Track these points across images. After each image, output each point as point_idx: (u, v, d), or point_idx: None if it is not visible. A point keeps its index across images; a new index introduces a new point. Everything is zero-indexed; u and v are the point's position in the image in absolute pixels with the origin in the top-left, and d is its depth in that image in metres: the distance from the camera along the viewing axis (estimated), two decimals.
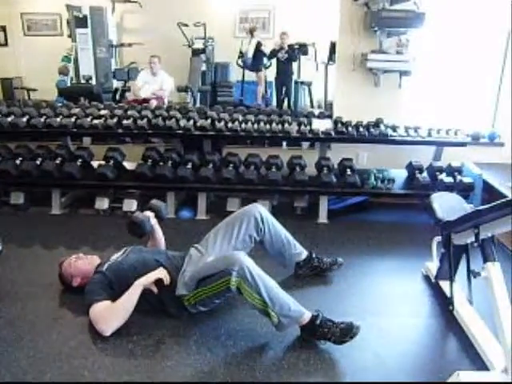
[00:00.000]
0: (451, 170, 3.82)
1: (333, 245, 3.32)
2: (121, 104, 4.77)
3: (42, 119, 3.90)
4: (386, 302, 2.63)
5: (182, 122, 3.90)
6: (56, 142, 4.19)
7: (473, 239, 2.16)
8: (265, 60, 7.14)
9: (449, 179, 3.72)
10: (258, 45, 7.03)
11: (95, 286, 2.30)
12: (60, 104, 4.54)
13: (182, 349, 2.11)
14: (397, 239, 3.48)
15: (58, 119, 3.90)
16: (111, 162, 3.85)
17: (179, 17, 7.00)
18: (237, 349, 2.13)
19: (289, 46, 6.83)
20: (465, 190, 3.62)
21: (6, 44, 8.08)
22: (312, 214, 3.87)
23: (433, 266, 2.82)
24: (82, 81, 7.00)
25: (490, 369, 1.98)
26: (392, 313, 2.51)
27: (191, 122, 3.91)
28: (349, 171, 3.83)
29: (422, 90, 4.16)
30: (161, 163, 3.84)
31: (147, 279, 2.24)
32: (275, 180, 3.75)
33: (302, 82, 7.23)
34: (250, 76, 7.40)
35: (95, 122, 3.89)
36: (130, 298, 2.20)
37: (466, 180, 3.71)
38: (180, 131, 3.88)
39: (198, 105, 5.97)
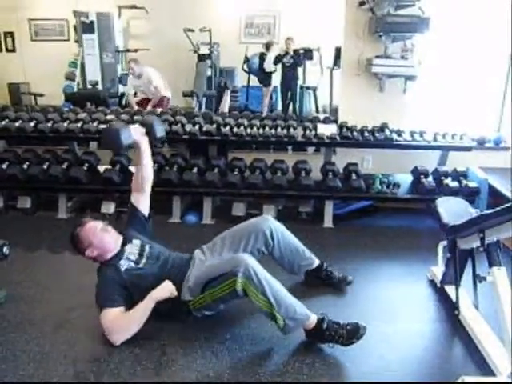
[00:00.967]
0: (457, 175, 3.82)
1: (338, 249, 3.32)
2: (127, 109, 4.80)
3: (49, 124, 3.93)
4: (391, 306, 2.62)
5: (188, 127, 3.93)
6: (63, 146, 4.23)
7: (478, 244, 2.16)
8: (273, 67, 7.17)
9: (454, 184, 3.72)
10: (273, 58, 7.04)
11: (110, 287, 2.21)
12: (67, 109, 4.58)
13: (187, 353, 2.12)
14: (402, 244, 3.48)
15: (65, 124, 3.93)
16: (117, 166, 3.87)
17: (185, 22, 7.06)
18: (242, 353, 2.13)
19: (294, 51, 6.86)
20: (470, 195, 3.61)
21: (13, 50, 8.16)
22: (317, 219, 3.87)
23: (438, 270, 2.81)
24: (89, 86, 7.06)
25: (496, 374, 1.97)
26: (397, 317, 2.50)
27: (197, 126, 3.93)
28: (354, 176, 3.84)
29: (427, 95, 4.17)
30: (166, 168, 3.86)
31: (160, 294, 2.20)
32: (280, 184, 3.76)
33: (308, 87, 7.26)
34: (256, 81, 7.43)
35: (102, 126, 3.92)
36: (144, 312, 2.17)
37: (472, 184, 3.70)
38: (186, 136, 3.90)
39: (203, 110, 6.00)
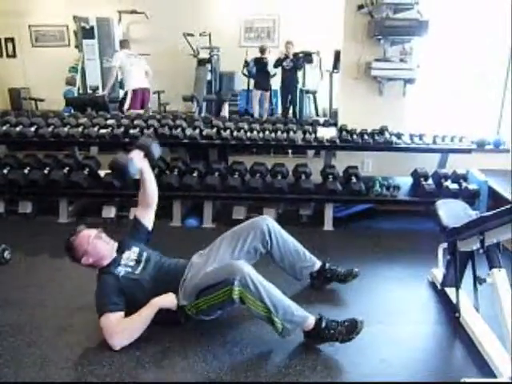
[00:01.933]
0: (456, 177, 3.82)
1: (338, 252, 3.31)
2: (127, 113, 4.82)
3: (50, 129, 3.95)
4: (392, 308, 2.62)
5: (188, 131, 3.94)
6: (63, 151, 4.24)
7: (478, 246, 2.16)
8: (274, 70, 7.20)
9: (454, 186, 3.72)
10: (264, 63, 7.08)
11: (109, 292, 2.22)
12: (67, 114, 4.60)
13: (188, 356, 2.12)
14: (402, 246, 3.48)
15: (66, 129, 3.95)
16: None
17: (185, 27, 7.10)
18: (243, 356, 2.13)
19: (294, 54, 6.89)
20: (470, 197, 3.61)
21: (14, 55, 8.22)
22: (317, 222, 3.88)
23: (438, 272, 2.82)
24: (89, 91, 7.10)
25: (497, 376, 1.97)
26: (398, 320, 2.50)
27: (197, 130, 3.95)
28: (354, 179, 3.84)
29: (427, 98, 4.19)
30: (167, 172, 3.87)
31: (163, 303, 2.22)
32: (281, 188, 3.76)
33: (307, 91, 7.29)
34: None
35: (102, 131, 3.93)
36: (146, 318, 2.19)
37: (472, 187, 3.70)
38: (186, 140, 3.91)
39: (203, 114, 6.02)
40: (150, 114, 4.74)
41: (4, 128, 3.96)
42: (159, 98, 7.58)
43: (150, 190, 2.58)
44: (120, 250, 2.41)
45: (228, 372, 2.02)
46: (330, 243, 3.54)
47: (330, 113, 6.92)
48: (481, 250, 2.15)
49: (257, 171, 3.88)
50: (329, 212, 3.83)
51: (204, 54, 7.16)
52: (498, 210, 1.98)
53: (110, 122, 4.09)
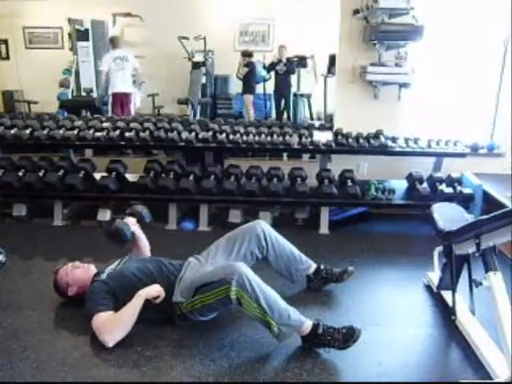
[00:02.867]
0: (451, 181, 3.85)
1: (334, 255, 3.32)
2: (123, 116, 4.81)
3: (45, 131, 3.93)
4: (388, 312, 2.63)
5: (184, 134, 3.93)
6: (58, 153, 4.22)
7: (474, 249, 2.18)
8: (266, 74, 7.21)
9: (449, 190, 3.75)
10: (250, 67, 7.10)
11: (96, 296, 2.28)
12: (62, 116, 4.58)
13: (185, 360, 2.11)
14: (397, 249, 3.50)
15: (61, 131, 3.93)
16: (113, 173, 3.87)
17: (180, 30, 7.10)
18: (240, 360, 2.13)
19: (287, 58, 6.92)
20: (465, 201, 3.64)
21: (7, 57, 8.17)
22: (313, 225, 3.89)
23: (434, 275, 2.84)
24: (83, 93, 7.07)
25: (494, 378, 1.98)
26: (394, 323, 2.51)
27: (193, 134, 3.94)
28: (349, 182, 3.85)
29: (421, 102, 4.21)
30: (163, 175, 3.86)
31: (148, 292, 2.25)
32: (277, 191, 3.77)
33: (302, 95, 7.30)
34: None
35: (98, 134, 3.92)
36: (133, 309, 2.21)
37: (466, 190, 3.73)
38: (182, 143, 3.91)
39: (198, 117, 6.02)
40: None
41: None
42: (153, 100, 7.59)
43: (143, 249, 2.78)
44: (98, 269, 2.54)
45: (226, 376, 2.02)
46: (325, 246, 3.55)
47: (325, 116, 6.94)
48: (476, 253, 2.16)
49: (253, 175, 3.88)
50: (325, 215, 3.84)
51: (199, 58, 7.18)
52: (494, 213, 1.99)
53: (105, 124, 4.07)
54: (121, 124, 4.04)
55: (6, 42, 8.12)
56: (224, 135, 3.92)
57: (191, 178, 3.84)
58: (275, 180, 3.86)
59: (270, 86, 7.42)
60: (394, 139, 4.02)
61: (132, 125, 4.02)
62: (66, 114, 5.71)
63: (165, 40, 7.41)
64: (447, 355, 2.31)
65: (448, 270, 2.55)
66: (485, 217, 2.06)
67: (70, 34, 7.48)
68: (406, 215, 4.10)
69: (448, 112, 4.26)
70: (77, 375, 2.00)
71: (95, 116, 4.39)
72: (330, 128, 4.30)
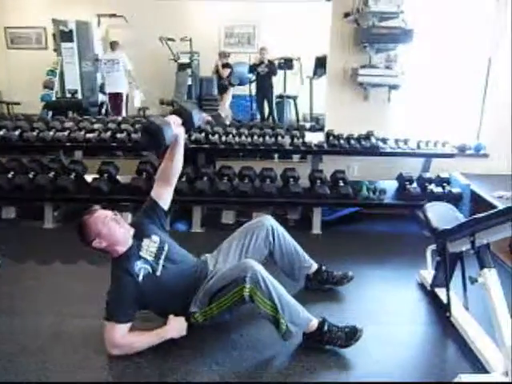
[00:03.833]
0: (440, 181, 3.92)
1: (327, 255, 3.32)
2: (113, 118, 4.78)
3: (35, 133, 3.88)
4: (382, 310, 2.65)
5: None
6: (47, 155, 4.17)
7: (468, 247, 2.23)
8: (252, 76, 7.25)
9: (438, 190, 3.82)
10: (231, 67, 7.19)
11: (125, 300, 2.12)
12: (53, 118, 4.53)
13: (188, 361, 2.12)
14: (389, 249, 3.54)
15: (51, 133, 3.89)
16: (105, 175, 3.84)
17: (165, 32, 7.08)
18: (243, 359, 2.14)
19: (269, 60, 6.97)
20: (454, 200, 3.69)
21: None
22: (305, 226, 3.91)
23: (427, 273, 2.88)
24: (68, 95, 6.99)
25: (489, 371, 2.03)
26: (390, 321, 2.54)
27: (186, 135, 3.93)
28: (341, 183, 3.89)
29: (411, 104, 4.28)
30: (155, 176, 3.84)
31: (172, 334, 2.18)
32: (270, 192, 3.79)
33: (288, 96, 7.34)
34: (237, 89, 7.49)
35: (89, 135, 3.89)
36: (151, 342, 2.15)
37: (455, 190, 3.80)
38: None
39: None
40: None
41: None
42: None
43: (177, 163, 2.39)
44: (138, 236, 2.25)
45: (228, 376, 2.03)
46: (318, 246, 3.57)
47: (311, 118, 7.01)
48: (471, 251, 2.21)
49: (246, 175, 3.89)
50: (317, 215, 3.87)
51: (184, 59, 7.17)
52: (491, 211, 2.05)
53: (96, 126, 4.04)
54: (112, 125, 4.01)
55: None
56: (216, 136, 3.93)
57: (184, 179, 3.83)
58: (268, 181, 3.88)
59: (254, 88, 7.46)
60: (384, 140, 4.08)
61: (123, 126, 4.00)
62: (50, 115, 5.66)
63: (150, 41, 7.36)
64: (444, 351, 2.35)
65: (442, 267, 2.60)
66: (481, 215, 2.10)
67: (54, 35, 7.39)
68: (394, 215, 4.15)
69: (436, 113, 4.34)
70: (79, 378, 2.00)
71: (85, 117, 4.35)
72: (321, 129, 4.34)
